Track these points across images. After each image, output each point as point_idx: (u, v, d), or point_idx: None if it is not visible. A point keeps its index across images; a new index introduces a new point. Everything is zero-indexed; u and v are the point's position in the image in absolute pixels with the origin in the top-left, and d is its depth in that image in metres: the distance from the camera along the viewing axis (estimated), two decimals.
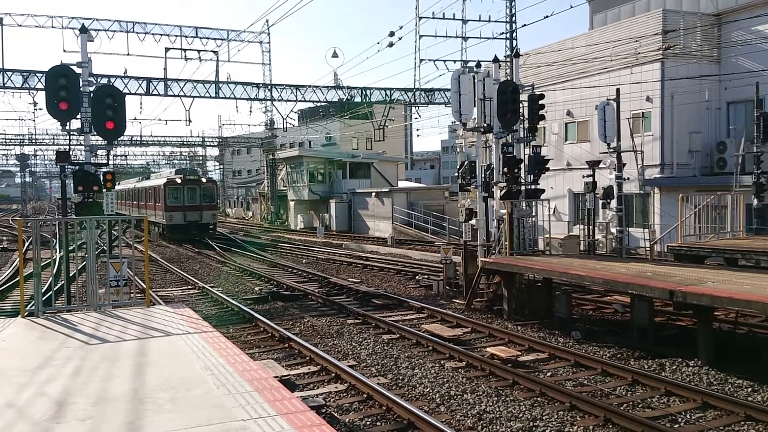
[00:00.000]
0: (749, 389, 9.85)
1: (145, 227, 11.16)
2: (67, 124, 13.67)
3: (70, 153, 16.12)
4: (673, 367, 11.06)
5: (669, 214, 24.98)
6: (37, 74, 33.81)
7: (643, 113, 28.37)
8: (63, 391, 5.88)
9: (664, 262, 18.12)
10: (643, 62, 27.78)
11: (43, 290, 10.56)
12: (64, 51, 59.06)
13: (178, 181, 40.80)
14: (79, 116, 13.52)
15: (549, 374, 11.03)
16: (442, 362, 11.79)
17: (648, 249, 24.04)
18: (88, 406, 5.45)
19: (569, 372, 11.19)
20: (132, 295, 11.20)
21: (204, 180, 42.98)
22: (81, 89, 13.49)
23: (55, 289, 19.13)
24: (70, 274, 14.35)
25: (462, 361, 11.76)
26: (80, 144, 14.63)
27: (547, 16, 32.09)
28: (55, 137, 66.36)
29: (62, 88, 12.94)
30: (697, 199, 18.31)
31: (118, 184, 71.72)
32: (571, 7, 29.15)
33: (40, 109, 45.56)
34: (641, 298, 12.65)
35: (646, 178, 27.22)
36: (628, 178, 24.16)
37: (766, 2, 26.29)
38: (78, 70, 13.80)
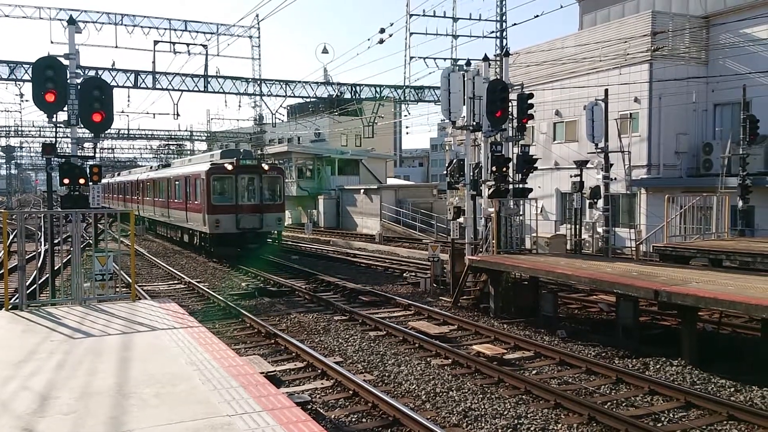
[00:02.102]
0: (732, 389, 9.95)
1: (131, 220, 11.06)
2: (54, 116, 13.56)
3: (57, 145, 15.99)
4: (657, 367, 11.15)
5: (655, 215, 25.15)
6: (24, 65, 33.48)
7: (630, 114, 28.51)
8: (46, 385, 5.83)
9: (650, 262, 18.24)
10: (632, 63, 27.91)
11: (27, 283, 10.47)
12: (52, 42, 58.22)
13: (229, 167, 25.73)
14: (65, 108, 13.40)
15: (534, 372, 11.08)
16: (429, 359, 11.82)
17: (634, 249, 24.20)
18: (72, 401, 5.42)
19: (554, 370, 11.25)
20: (117, 290, 11.13)
21: (266, 167, 27.26)
22: (68, 81, 13.38)
23: (39, 282, 19.03)
24: (55, 268, 14.24)
25: (448, 359, 11.79)
26: (67, 136, 14.60)
27: (537, 16, 32.35)
28: (42, 129, 65.78)
29: (49, 80, 12.84)
30: (683, 200, 18.45)
31: (117, 175, 61.97)
32: (561, 6, 29.25)
33: (27, 100, 45.13)
34: (626, 297, 12.72)
35: (632, 178, 27.37)
36: (615, 179, 24.29)
37: (754, 5, 26.49)
38: (65, 62, 13.70)
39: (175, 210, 31.45)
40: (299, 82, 40.18)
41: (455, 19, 34.36)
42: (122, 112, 58.28)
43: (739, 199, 22.56)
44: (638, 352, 11.96)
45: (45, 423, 4.94)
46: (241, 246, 26.03)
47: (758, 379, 10.15)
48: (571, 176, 22.97)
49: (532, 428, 8.45)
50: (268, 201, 26.61)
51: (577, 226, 22.49)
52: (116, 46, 38.22)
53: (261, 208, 26.28)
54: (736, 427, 8.42)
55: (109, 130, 45.13)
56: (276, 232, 27.47)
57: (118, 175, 62.02)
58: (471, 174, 18.25)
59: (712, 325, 13.97)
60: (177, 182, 30.98)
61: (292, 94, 40.77)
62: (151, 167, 49.24)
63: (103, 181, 65.85)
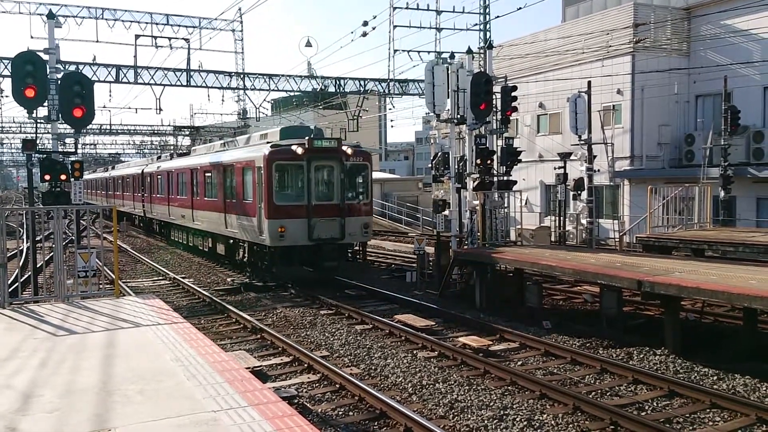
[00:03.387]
0: (715, 377, 10.06)
1: (114, 217, 10.98)
2: (34, 111, 13.41)
3: (37, 141, 15.82)
4: (641, 356, 11.25)
5: (638, 206, 25.32)
6: (4, 61, 33.02)
7: (613, 106, 28.67)
8: (29, 383, 5.79)
9: (633, 252, 18.39)
10: (614, 55, 28.05)
11: (9, 281, 10.37)
12: (32, 37, 57.45)
13: (299, 150, 18.16)
14: (46, 104, 13.26)
15: (520, 363, 11.15)
16: (415, 352, 11.85)
17: (617, 240, 24.38)
18: (55, 398, 5.38)
19: (539, 361, 11.32)
20: (101, 286, 11.05)
21: (348, 149, 19.19)
22: (48, 76, 13.22)
23: (21, 280, 18.85)
24: (38, 265, 14.11)
25: (434, 351, 11.83)
26: (48, 132, 14.38)
27: (520, 8, 32.11)
28: (22, 125, 64.95)
29: (29, 75, 12.66)
30: (666, 190, 18.59)
31: (112, 168, 55.60)
32: None
33: (6, 96, 44.43)
34: (610, 288, 12.82)
35: (616, 170, 27.55)
36: (599, 170, 24.44)
37: None
38: (45, 57, 13.53)
39: (204, 211, 23.66)
40: (283, 75, 39.99)
41: (439, 12, 34.31)
42: (104, 107, 57.66)
43: (720, 190, 22.78)
44: (622, 342, 12.07)
45: (28, 421, 4.90)
46: (316, 265, 18.79)
47: (740, 367, 10.27)
48: (555, 168, 23.08)
49: (517, 418, 8.50)
50: (352, 199, 18.95)
51: (562, 218, 22.63)
52: (97, 41, 37.71)
53: (342, 210, 18.46)
54: (719, 415, 8.53)
55: (90, 126, 44.41)
56: (359, 244, 19.72)
57: (113, 168, 54.88)
58: (456, 167, 18.28)
59: (694, 315, 14.12)
60: (209, 174, 23.57)
61: (276, 88, 40.56)
62: (159, 157, 39.89)
63: (96, 175, 60.03)
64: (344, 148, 18.88)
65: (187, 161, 27.54)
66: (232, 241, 21.69)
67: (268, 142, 19.46)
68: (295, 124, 37.23)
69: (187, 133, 79.77)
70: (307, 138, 18.46)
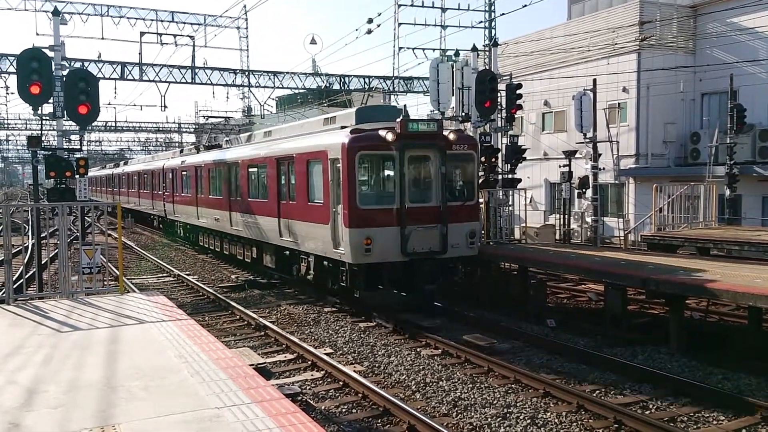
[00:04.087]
0: (720, 376, 10.02)
1: (118, 213, 11.00)
2: (39, 108, 13.46)
3: (43, 138, 15.86)
4: (645, 355, 11.22)
5: (643, 204, 25.27)
6: (9, 57, 33.09)
7: (619, 104, 28.60)
8: (34, 379, 5.80)
9: (638, 251, 18.34)
10: (620, 53, 27.97)
11: (14, 278, 10.40)
12: (37, 34, 57.79)
13: (389, 137, 13.69)
14: (51, 101, 13.30)
15: (523, 362, 11.12)
16: (418, 350, 11.84)
17: (622, 238, 24.32)
18: (60, 394, 5.39)
19: (543, 359, 11.29)
20: (105, 283, 11.07)
21: (451, 135, 14.46)
22: (53, 73, 13.27)
23: (26, 276, 18.91)
24: (42, 261, 14.15)
25: (438, 349, 11.81)
26: (53, 129, 14.42)
27: (525, 6, 32.10)
28: (28, 122, 65.13)
29: (34, 72, 12.72)
30: (671, 189, 18.54)
31: (124, 163, 50.45)
32: None
33: (12, 93, 44.52)
34: (615, 286, 12.79)
35: (621, 168, 27.49)
36: (604, 168, 24.39)
37: None
38: (51, 54, 13.58)
39: (248, 215, 19.78)
40: (288, 73, 40.00)
41: (444, 9, 34.23)
42: (109, 104, 57.50)
43: (726, 188, 22.72)
44: (627, 341, 12.03)
45: (32, 417, 4.91)
46: (409, 287, 14.88)
47: (745, 366, 10.23)
48: (559, 166, 23.04)
49: (521, 417, 8.49)
50: (455, 200, 14.49)
51: (566, 216, 22.59)
52: (102, 38, 37.92)
53: (443, 215, 14.11)
54: (723, 414, 8.50)
55: (95, 123, 44.45)
56: (469, 257, 14.87)
57: (126, 164, 50.32)
58: None
59: (699, 314, 14.08)
60: (254, 169, 19.55)
61: (281, 86, 40.57)
62: (181, 150, 35.81)
63: (107, 171, 55.98)
64: (446, 132, 14.28)
65: (222, 154, 23.04)
66: (288, 252, 17.25)
67: (342, 127, 15.06)
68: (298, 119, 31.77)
69: (192, 130, 79.82)
70: (399, 120, 13.76)
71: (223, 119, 43.07)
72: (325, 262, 15.15)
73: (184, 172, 27.74)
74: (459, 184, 15.01)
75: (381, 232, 13.62)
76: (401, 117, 13.99)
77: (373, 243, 13.50)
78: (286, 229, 16.80)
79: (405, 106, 14.79)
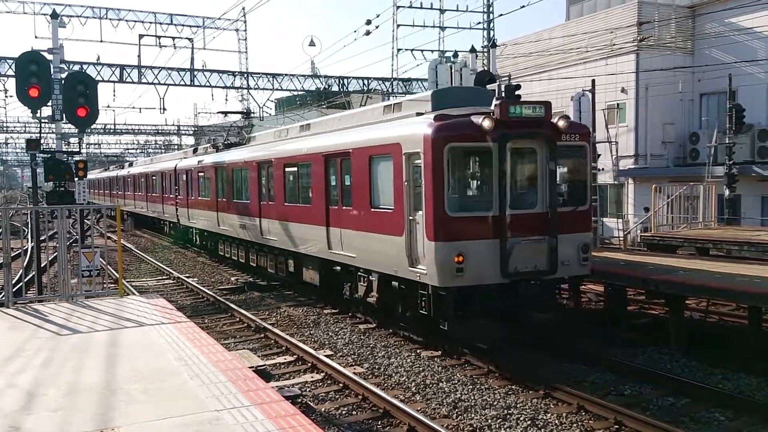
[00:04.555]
0: (720, 376, 10.02)
1: (117, 216, 11.00)
2: (38, 111, 13.46)
3: (42, 141, 15.88)
4: (645, 355, 11.21)
5: (642, 205, 25.28)
6: (8, 60, 33.10)
7: (618, 104, 28.62)
8: (33, 382, 5.80)
9: (637, 251, 18.35)
10: (619, 54, 27.99)
11: (13, 281, 10.40)
12: (36, 37, 57.59)
13: (486, 124, 10.47)
14: (50, 103, 13.31)
15: (523, 363, 11.10)
16: (418, 351, 11.83)
17: (621, 239, 24.34)
18: (59, 397, 5.39)
19: (543, 360, 11.27)
20: (105, 286, 11.08)
21: (560, 122, 11.06)
22: (52, 76, 13.27)
23: (26, 279, 18.91)
24: (42, 265, 14.15)
25: (438, 350, 11.80)
26: (52, 132, 14.42)
27: (523, 6, 32.13)
28: (27, 125, 65.19)
29: (33, 75, 12.73)
30: (670, 189, 18.56)
31: (128, 166, 46.29)
32: None
33: (11, 96, 44.50)
34: (615, 287, 12.79)
35: (620, 168, 27.51)
36: (603, 169, 24.42)
37: None
38: (49, 57, 13.60)
39: (284, 222, 16.94)
40: (287, 75, 40.05)
41: (442, 11, 34.26)
42: (108, 107, 57.74)
43: (725, 188, 22.73)
44: (627, 341, 12.02)
45: (32, 420, 4.91)
46: (511, 317, 11.22)
47: (745, 366, 10.23)
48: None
49: (521, 418, 8.49)
50: (565, 205, 11.58)
51: None
52: (101, 41, 37.84)
53: (551, 224, 11.14)
54: (723, 414, 8.49)
55: (94, 125, 44.36)
56: (579, 276, 11.81)
57: (131, 165, 46.54)
58: None
59: (699, 314, 14.08)
60: (293, 168, 16.72)
61: (280, 87, 40.62)
62: (195, 150, 31.69)
63: (110, 173, 52.82)
64: (554, 120, 11.15)
65: (249, 152, 20.15)
66: (339, 268, 14.28)
67: (418, 114, 11.92)
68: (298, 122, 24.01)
69: (191, 132, 79.91)
70: (498, 102, 10.78)
71: (243, 114, 39.57)
72: (395, 283, 12.00)
73: (201, 174, 24.72)
74: (569, 185, 12.03)
75: (475, 247, 10.62)
76: (499, 98, 10.96)
77: (466, 260, 10.46)
78: (338, 241, 13.91)
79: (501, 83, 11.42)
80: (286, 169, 16.88)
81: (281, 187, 17.17)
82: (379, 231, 12.28)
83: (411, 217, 11.22)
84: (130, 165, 46.89)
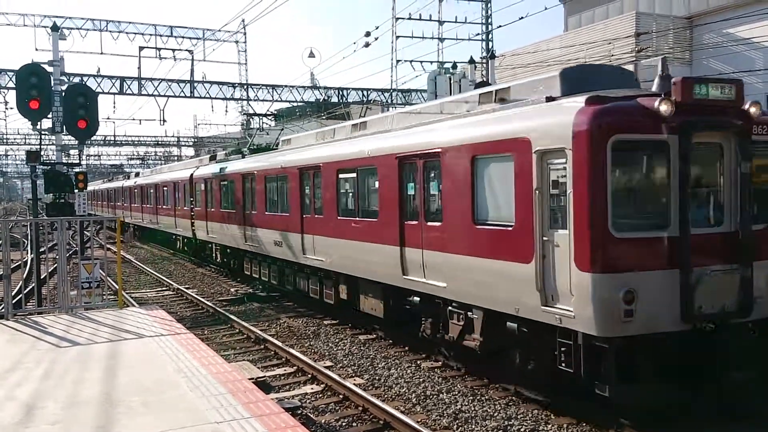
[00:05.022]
0: None
1: (118, 228, 11.02)
2: (38, 123, 13.51)
3: (42, 153, 15.92)
4: None
5: None
6: (8, 72, 33.25)
7: None
8: (32, 395, 5.79)
9: None
10: (617, 64, 28.10)
11: (13, 293, 10.39)
12: (36, 49, 57.89)
13: (664, 108, 7.64)
14: (50, 116, 13.36)
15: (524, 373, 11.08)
16: (419, 362, 11.81)
17: None
18: (59, 410, 5.38)
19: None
20: (104, 297, 11.07)
21: (754, 109, 8.42)
22: (52, 88, 13.33)
23: (25, 291, 18.90)
24: (41, 276, 14.15)
25: (438, 361, 11.78)
26: (52, 144, 14.46)
27: (522, 17, 32.45)
28: (27, 137, 65.35)
29: (33, 87, 12.78)
30: None
31: (149, 172, 42.35)
32: (546, 8, 29.43)
33: (11, 108, 44.61)
34: None
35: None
36: None
37: (737, 5, 26.77)
38: (50, 69, 13.66)
39: (337, 240, 14.03)
40: (286, 86, 40.21)
41: (441, 22, 34.45)
42: (108, 118, 57.90)
43: None
44: None
45: None
46: (697, 378, 8.00)
47: None
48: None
49: (522, 429, 8.46)
50: (759, 221, 8.50)
51: None
52: (101, 53, 38.14)
53: (741, 247, 8.15)
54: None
55: (95, 137, 44.38)
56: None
57: (137, 176, 43.46)
58: None
59: None
60: (349, 174, 13.77)
61: (279, 99, 40.78)
62: (213, 156, 27.80)
63: (115, 184, 49.70)
64: (747, 106, 8.58)
65: (286, 157, 17.08)
66: (418, 299, 11.47)
67: (549, 98, 8.99)
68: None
69: (191, 144, 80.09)
70: (679, 79, 8.01)
71: (269, 116, 35.09)
72: (513, 325, 9.05)
73: (224, 183, 21.89)
74: (759, 194, 8.63)
75: (649, 280, 7.75)
76: (680, 77, 8.09)
77: (637, 300, 7.60)
78: (418, 265, 11.02)
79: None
80: (340, 176, 13.91)
81: (332, 198, 14.19)
82: (488, 255, 9.33)
83: (545, 238, 8.31)
84: (137, 175, 44.57)
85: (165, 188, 30.84)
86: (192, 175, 25.96)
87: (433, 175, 10.98)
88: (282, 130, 26.38)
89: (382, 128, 13.51)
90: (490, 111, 10.04)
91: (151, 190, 34.13)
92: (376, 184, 12.55)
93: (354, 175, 13.47)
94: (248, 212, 19.39)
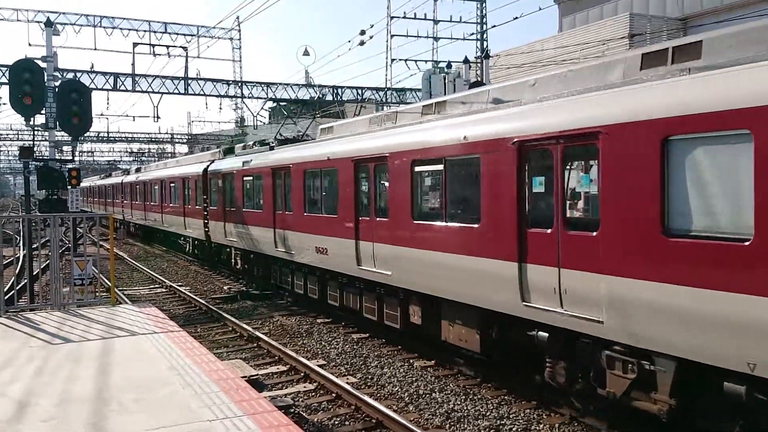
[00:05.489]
0: None
1: (110, 224, 10.99)
2: (32, 119, 13.45)
3: (35, 149, 15.86)
4: None
5: None
6: (1, 68, 33.10)
7: None
8: (25, 392, 5.77)
9: None
10: None
11: (5, 289, 10.35)
12: (30, 45, 57.66)
13: None
14: (43, 111, 13.32)
15: (517, 372, 11.11)
16: (411, 361, 11.83)
17: None
18: (51, 407, 5.37)
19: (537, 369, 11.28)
20: (97, 294, 11.04)
21: None
22: (46, 84, 13.29)
23: (17, 288, 18.84)
24: (34, 273, 14.10)
25: (431, 360, 11.80)
26: (45, 139, 14.42)
27: (516, 18, 32.63)
28: (20, 132, 65.09)
29: (26, 83, 12.73)
30: None
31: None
32: (540, 9, 29.51)
33: (4, 103, 44.42)
34: None
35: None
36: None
37: (732, 7, 26.89)
38: (43, 65, 13.60)
39: (411, 250, 11.20)
40: (281, 84, 40.16)
41: (436, 22, 34.56)
42: (101, 114, 57.68)
43: None
44: None
45: (24, 430, 4.89)
46: None
47: None
48: None
49: (514, 429, 8.49)
50: None
51: None
52: (95, 49, 38.15)
53: None
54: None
55: (88, 133, 44.19)
56: None
57: (139, 171, 41.09)
58: None
59: None
60: (431, 167, 10.98)
61: (274, 96, 40.73)
62: (228, 149, 24.77)
63: (114, 180, 45.30)
64: None
65: (334, 147, 14.17)
66: (547, 335, 8.65)
67: None
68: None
69: (185, 141, 79.95)
70: None
71: (298, 106, 31.29)
72: (738, 387, 6.31)
73: (248, 178, 19.24)
74: None
75: None
76: None
77: None
78: (551, 289, 8.10)
79: None
80: (416, 169, 11.11)
81: (404, 197, 11.29)
82: (716, 285, 6.21)
83: None
84: (138, 170, 42.28)
85: (173, 184, 28.16)
86: (206, 169, 23.27)
87: (581, 165, 8.66)
88: (313, 118, 24.11)
89: (466, 110, 10.62)
90: (647, 81, 7.38)
91: (156, 187, 31.31)
92: (477, 179, 9.60)
93: (439, 167, 10.54)
94: (280, 212, 16.74)
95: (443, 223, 10.35)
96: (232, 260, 21.74)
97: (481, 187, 9.46)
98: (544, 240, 8.22)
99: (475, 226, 9.53)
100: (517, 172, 8.66)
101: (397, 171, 11.55)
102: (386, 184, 12.21)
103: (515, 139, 8.65)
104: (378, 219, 12.25)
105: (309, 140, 17.98)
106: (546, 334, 8.53)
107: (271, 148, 18.87)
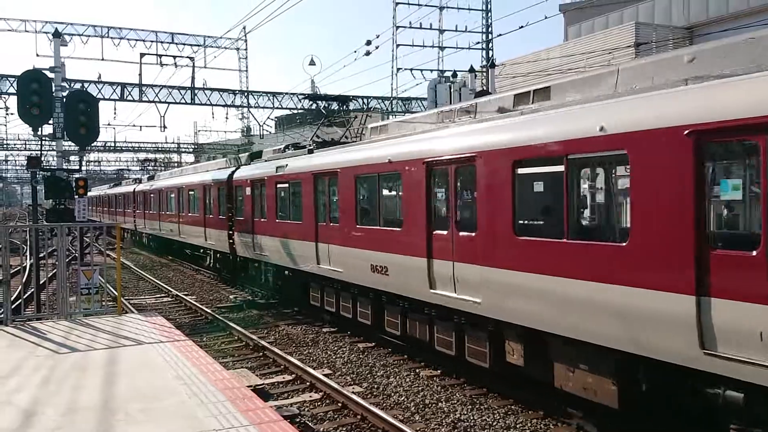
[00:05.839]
0: None
1: (117, 234, 11.02)
2: (39, 129, 13.54)
3: (42, 159, 15.94)
4: None
5: None
6: (9, 78, 33.33)
7: None
8: (31, 401, 5.78)
9: None
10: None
11: (12, 298, 10.39)
12: (38, 55, 58.10)
13: None
14: (51, 121, 13.40)
15: (523, 380, 11.06)
16: (417, 371, 11.79)
17: None
18: (57, 417, 5.37)
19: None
20: (103, 303, 11.06)
21: None
22: (54, 94, 13.38)
23: (24, 297, 18.90)
24: (41, 282, 14.14)
25: (437, 370, 11.76)
26: (53, 149, 14.50)
27: (522, 26, 32.76)
28: (27, 142, 65.43)
29: (34, 93, 12.82)
30: None
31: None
32: (546, 17, 29.56)
33: (12, 113, 44.68)
34: None
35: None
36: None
37: (737, 15, 26.88)
38: (51, 75, 13.69)
39: (475, 268, 9.57)
40: (286, 93, 40.31)
41: (441, 31, 34.64)
42: (108, 124, 57.94)
43: None
44: None
45: None
46: None
47: None
48: None
49: None
50: None
51: None
52: (102, 59, 38.37)
53: None
54: None
55: (95, 143, 44.34)
56: None
57: (152, 179, 39.39)
58: None
59: None
60: (540, 169, 8.90)
61: (280, 106, 40.89)
62: (255, 154, 22.71)
63: (124, 188, 43.33)
64: None
65: (396, 148, 12.07)
66: (733, 393, 6.25)
67: None
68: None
69: (191, 150, 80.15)
70: None
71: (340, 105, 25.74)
72: None
73: (283, 184, 17.18)
74: None
75: None
76: None
77: None
78: (729, 331, 6.06)
79: None
80: (519, 172, 8.86)
81: (506, 206, 8.94)
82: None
83: None
84: (151, 177, 40.34)
85: (192, 192, 26.09)
86: (231, 175, 21.22)
87: None
88: (355, 117, 21.95)
89: (581, 101, 8.21)
90: None
91: (173, 195, 29.15)
92: (607, 184, 8.18)
93: (551, 170, 8.44)
94: (324, 224, 14.76)
95: (566, 240, 7.98)
96: (262, 277, 19.64)
97: (613, 195, 8.02)
98: (745, 264, 6.02)
99: (621, 245, 7.23)
100: (692, 179, 6.39)
101: (489, 174, 9.34)
102: (472, 191, 10.12)
103: (701, 127, 6.33)
104: (461, 233, 10.04)
105: (353, 142, 16.06)
106: (739, 394, 6.17)
107: (310, 152, 16.61)
